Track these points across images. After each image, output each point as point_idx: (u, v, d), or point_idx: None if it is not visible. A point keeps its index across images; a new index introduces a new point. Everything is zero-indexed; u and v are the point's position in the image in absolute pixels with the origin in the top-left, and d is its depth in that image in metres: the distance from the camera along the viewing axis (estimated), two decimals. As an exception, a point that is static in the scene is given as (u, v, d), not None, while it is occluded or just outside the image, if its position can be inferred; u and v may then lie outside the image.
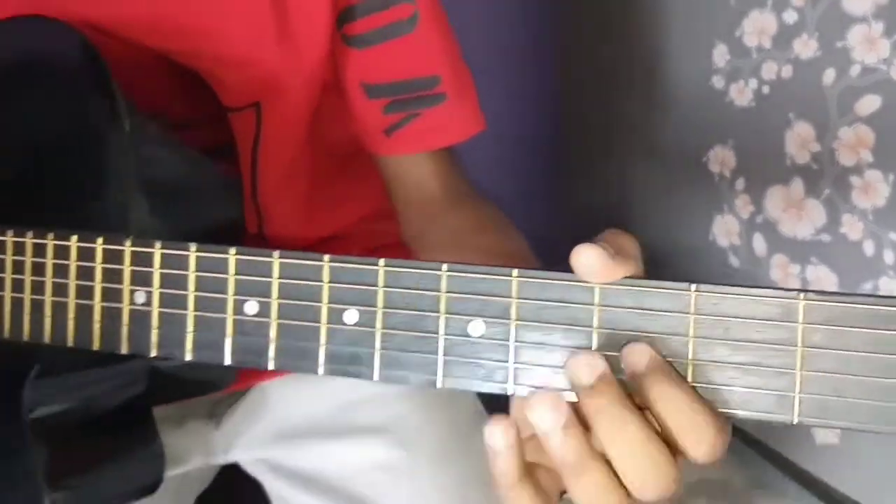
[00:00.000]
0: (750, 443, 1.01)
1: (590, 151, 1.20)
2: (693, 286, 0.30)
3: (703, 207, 0.99)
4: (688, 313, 0.30)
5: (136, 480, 0.51)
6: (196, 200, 0.47)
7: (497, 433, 0.31)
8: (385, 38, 0.54)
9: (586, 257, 0.30)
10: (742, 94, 0.90)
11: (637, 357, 0.29)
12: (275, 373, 0.59)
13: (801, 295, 0.28)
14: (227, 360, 0.37)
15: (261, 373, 0.58)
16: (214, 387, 0.55)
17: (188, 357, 0.38)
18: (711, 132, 0.95)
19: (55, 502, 0.44)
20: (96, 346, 0.40)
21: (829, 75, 0.81)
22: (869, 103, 0.78)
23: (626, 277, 0.30)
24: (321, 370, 0.35)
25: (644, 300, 0.30)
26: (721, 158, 0.95)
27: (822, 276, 0.83)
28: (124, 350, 0.40)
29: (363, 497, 0.54)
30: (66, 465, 0.46)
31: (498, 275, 0.33)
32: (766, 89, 0.87)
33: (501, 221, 0.59)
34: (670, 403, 0.28)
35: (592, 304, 0.31)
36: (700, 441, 0.28)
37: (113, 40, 0.47)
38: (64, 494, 0.45)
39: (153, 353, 0.39)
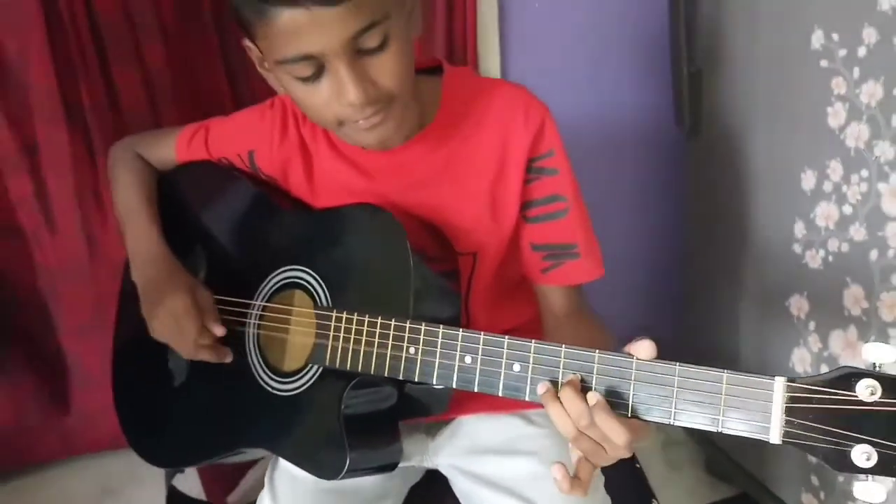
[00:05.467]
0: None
1: (695, 286, 1.45)
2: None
3: (784, 340, 1.21)
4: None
5: (384, 460, 0.84)
6: (441, 307, 0.80)
7: (554, 410, 0.63)
8: (548, 219, 0.86)
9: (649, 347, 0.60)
10: (814, 259, 1.14)
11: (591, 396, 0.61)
12: (470, 410, 0.90)
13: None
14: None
15: (461, 409, 0.90)
16: (431, 411, 0.86)
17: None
18: (792, 284, 1.18)
19: (354, 458, 0.77)
20: (387, 374, 0.74)
21: (874, 254, 1.03)
22: (901, 277, 1.00)
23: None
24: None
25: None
26: (798, 304, 1.18)
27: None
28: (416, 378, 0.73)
29: (524, 493, 0.83)
30: (357, 439, 0.78)
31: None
32: (830, 258, 1.11)
33: (598, 330, 0.87)
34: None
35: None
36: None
37: (398, 211, 0.82)
38: (355, 454, 0.77)
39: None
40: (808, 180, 1.13)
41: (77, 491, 1.65)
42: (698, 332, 1.46)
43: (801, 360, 1.18)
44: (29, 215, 1.46)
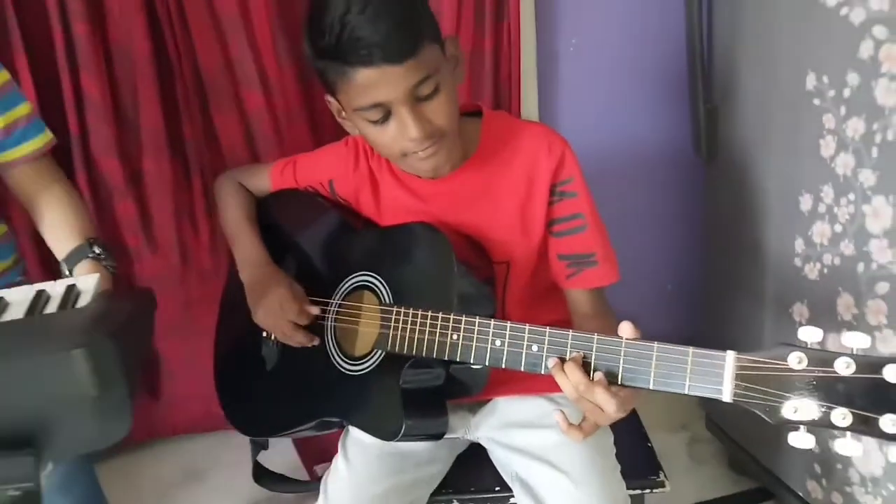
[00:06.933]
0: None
1: (713, 295, 1.62)
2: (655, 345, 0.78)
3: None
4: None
5: (433, 429, 1.04)
6: (479, 303, 1.00)
7: (560, 379, 0.81)
8: (570, 234, 1.05)
9: (629, 328, 0.79)
10: (812, 272, 1.30)
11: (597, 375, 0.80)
12: (504, 392, 1.10)
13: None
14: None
15: (497, 391, 1.10)
16: (472, 391, 1.06)
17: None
18: (794, 294, 1.34)
19: (409, 424, 0.97)
20: (435, 356, 0.94)
21: (861, 267, 1.19)
22: (883, 287, 1.16)
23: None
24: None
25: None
26: (800, 311, 1.34)
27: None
28: (453, 357, 0.93)
29: (548, 458, 1.02)
30: (412, 409, 0.99)
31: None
32: (825, 270, 1.27)
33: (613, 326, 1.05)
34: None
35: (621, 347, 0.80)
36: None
37: (446, 228, 1.02)
38: (411, 422, 0.98)
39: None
40: (806, 202, 1.29)
41: (164, 471, 1.89)
42: (719, 336, 1.62)
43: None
44: (132, 234, 1.72)
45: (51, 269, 1.61)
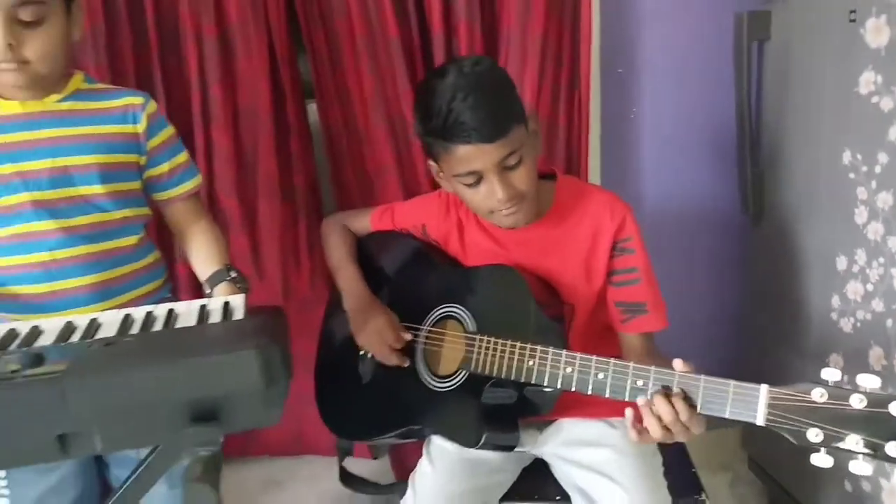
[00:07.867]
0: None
1: (754, 343, 1.73)
2: (701, 377, 0.92)
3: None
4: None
5: (507, 441, 1.19)
6: (551, 335, 1.15)
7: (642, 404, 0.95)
8: (626, 285, 1.20)
9: (681, 363, 0.93)
10: (847, 326, 1.41)
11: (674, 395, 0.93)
12: (568, 415, 1.24)
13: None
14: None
15: (562, 413, 1.24)
16: (541, 411, 1.20)
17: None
18: (830, 345, 1.46)
19: (487, 435, 1.12)
20: (513, 377, 1.10)
21: (889, 322, 1.31)
22: (909, 341, 1.27)
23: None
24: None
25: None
26: (836, 361, 1.45)
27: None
28: (531, 380, 1.09)
29: (605, 472, 1.16)
30: (490, 423, 1.14)
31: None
32: (859, 325, 1.38)
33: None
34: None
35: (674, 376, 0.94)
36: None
37: (523, 271, 1.18)
38: (489, 433, 1.13)
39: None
40: (842, 263, 1.41)
41: (247, 482, 2.06)
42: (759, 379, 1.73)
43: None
44: (244, 266, 1.92)
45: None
